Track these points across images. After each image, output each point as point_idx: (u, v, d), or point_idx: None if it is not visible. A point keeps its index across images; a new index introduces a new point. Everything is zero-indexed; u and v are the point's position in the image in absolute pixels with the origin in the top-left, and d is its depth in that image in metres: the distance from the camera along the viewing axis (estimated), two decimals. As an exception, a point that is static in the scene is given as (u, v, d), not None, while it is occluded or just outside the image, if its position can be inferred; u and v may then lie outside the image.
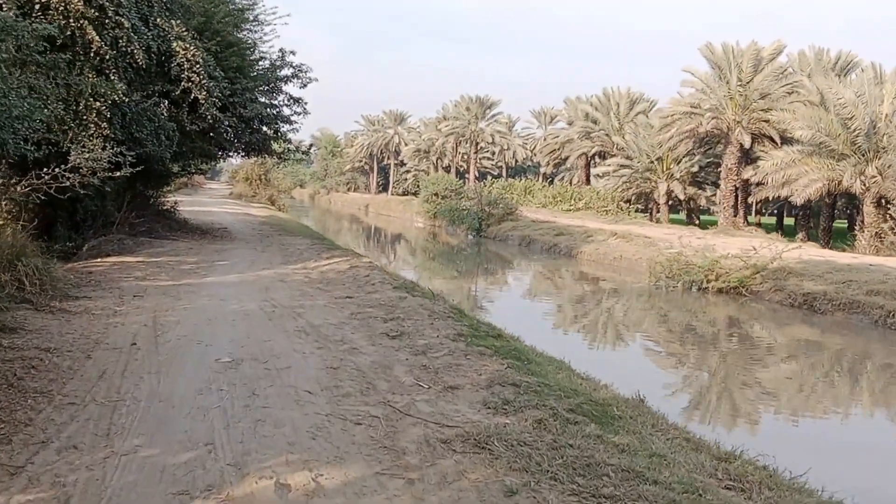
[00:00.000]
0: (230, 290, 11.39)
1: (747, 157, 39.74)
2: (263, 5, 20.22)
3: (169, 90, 14.83)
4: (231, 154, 23.99)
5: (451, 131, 75.85)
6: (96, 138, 10.58)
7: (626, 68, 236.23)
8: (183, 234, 20.71)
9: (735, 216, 41.08)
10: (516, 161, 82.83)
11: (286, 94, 20.56)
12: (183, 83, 12.83)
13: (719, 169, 45.49)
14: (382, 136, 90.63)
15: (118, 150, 10.35)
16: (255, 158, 36.69)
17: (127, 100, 11.17)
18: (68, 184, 9.87)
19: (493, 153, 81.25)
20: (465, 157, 78.52)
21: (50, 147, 10.88)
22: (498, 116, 78.82)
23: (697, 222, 49.87)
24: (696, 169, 46.60)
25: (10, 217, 11.52)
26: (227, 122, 17.42)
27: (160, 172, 20.76)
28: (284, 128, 21.16)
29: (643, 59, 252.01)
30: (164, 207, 24.17)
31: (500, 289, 23.58)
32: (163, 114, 15.93)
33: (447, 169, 76.04)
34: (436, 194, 45.56)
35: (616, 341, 15.61)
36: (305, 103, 20.74)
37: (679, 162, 46.00)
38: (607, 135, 56.34)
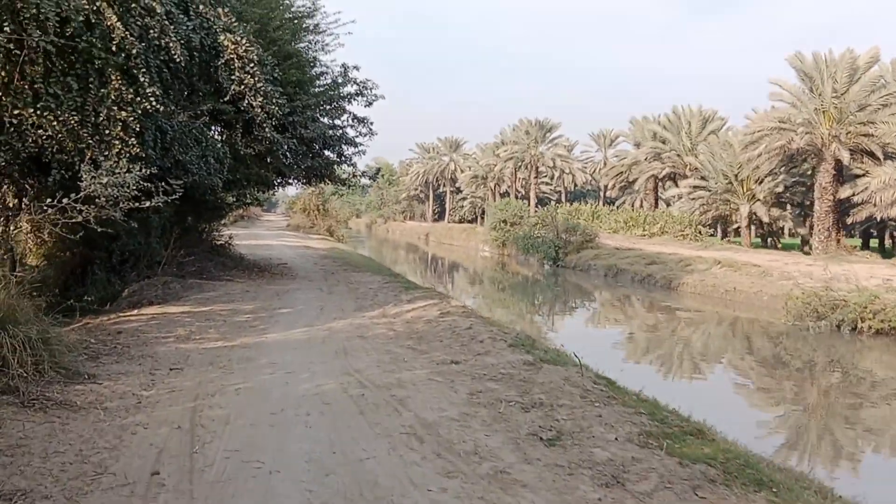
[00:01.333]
0: (297, 354, 8.62)
1: (840, 175, 36.23)
2: (324, 12, 17.70)
3: (219, 110, 12.33)
4: (290, 181, 21.44)
5: (510, 156, 72.98)
6: (122, 159, 7.97)
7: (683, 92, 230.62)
8: (238, 272, 18.26)
9: (828, 238, 37.40)
10: (575, 185, 79.85)
11: (350, 113, 18.00)
12: (233, 86, 10.08)
13: (803, 188, 42.02)
14: (438, 164, 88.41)
15: (145, 172, 7.66)
16: (314, 187, 34.53)
17: (161, 108, 8.48)
18: (81, 219, 7.25)
19: (552, 177, 78.23)
20: (525, 182, 75.58)
21: (63, 171, 8.36)
22: (558, 140, 75.78)
23: (779, 245, 46.26)
24: (780, 189, 42.81)
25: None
26: (285, 145, 14.90)
27: (213, 204, 18.54)
28: (349, 151, 18.59)
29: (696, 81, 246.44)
30: (218, 243, 21.88)
31: (608, 333, 19.96)
32: (214, 136, 13.57)
33: (504, 195, 73.10)
34: (504, 221, 42.66)
35: (806, 413, 11.69)
36: (371, 123, 18.14)
37: (761, 182, 42.36)
38: (678, 155, 53.20)
